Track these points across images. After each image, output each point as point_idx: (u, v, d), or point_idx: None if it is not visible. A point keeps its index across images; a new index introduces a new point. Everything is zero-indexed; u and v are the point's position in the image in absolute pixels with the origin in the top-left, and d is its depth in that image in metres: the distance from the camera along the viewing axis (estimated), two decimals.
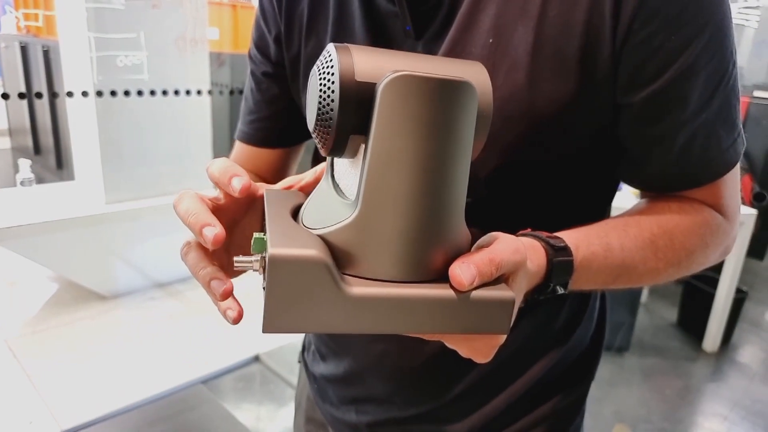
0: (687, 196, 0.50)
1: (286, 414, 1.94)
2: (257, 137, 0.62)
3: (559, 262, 0.41)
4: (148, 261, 2.60)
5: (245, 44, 4.87)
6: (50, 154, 3.71)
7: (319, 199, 0.36)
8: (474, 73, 0.34)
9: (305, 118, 0.38)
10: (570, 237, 0.44)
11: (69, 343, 2.24)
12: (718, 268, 2.36)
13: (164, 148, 2.47)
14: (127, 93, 2.25)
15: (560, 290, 0.43)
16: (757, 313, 2.88)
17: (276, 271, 0.28)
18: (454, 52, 0.45)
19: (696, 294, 2.53)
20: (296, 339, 2.20)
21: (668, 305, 2.77)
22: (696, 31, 0.41)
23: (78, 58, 2.24)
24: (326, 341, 0.63)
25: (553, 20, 0.42)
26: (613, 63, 0.42)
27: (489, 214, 0.49)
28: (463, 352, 0.37)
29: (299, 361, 0.73)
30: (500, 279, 0.34)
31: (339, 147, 0.32)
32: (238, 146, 0.65)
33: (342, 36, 0.51)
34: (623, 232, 0.47)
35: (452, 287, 0.32)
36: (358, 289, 0.30)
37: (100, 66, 2.18)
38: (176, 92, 2.37)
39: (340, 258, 0.31)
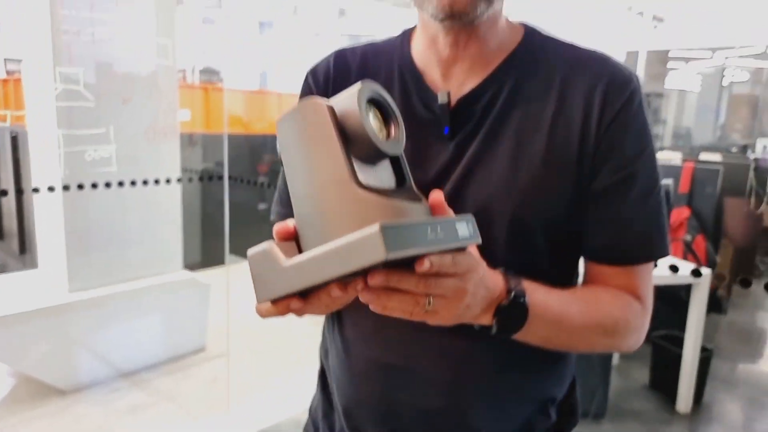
0: (614, 285, 0.63)
1: None
2: None
3: (514, 280, 0.53)
4: (113, 349, 2.50)
5: (216, 125, 4.93)
6: (13, 239, 3.62)
7: None
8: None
9: None
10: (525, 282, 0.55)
11: None
12: (682, 326, 2.42)
13: (133, 234, 2.45)
14: (95, 185, 2.26)
15: (519, 321, 0.52)
16: (725, 369, 2.93)
17: (250, 261, 0.48)
18: (484, 151, 0.60)
19: (664, 354, 2.57)
20: (296, 415, 2.12)
21: (640, 366, 2.79)
22: (642, 148, 0.60)
23: (46, 154, 2.24)
24: (325, 398, 0.76)
25: (559, 133, 0.59)
26: (593, 163, 0.59)
27: None
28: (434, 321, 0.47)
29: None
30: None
31: None
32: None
33: None
34: (571, 296, 0.60)
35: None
36: (289, 260, 0.45)
37: (67, 161, 2.19)
38: (145, 182, 2.38)
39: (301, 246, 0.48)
